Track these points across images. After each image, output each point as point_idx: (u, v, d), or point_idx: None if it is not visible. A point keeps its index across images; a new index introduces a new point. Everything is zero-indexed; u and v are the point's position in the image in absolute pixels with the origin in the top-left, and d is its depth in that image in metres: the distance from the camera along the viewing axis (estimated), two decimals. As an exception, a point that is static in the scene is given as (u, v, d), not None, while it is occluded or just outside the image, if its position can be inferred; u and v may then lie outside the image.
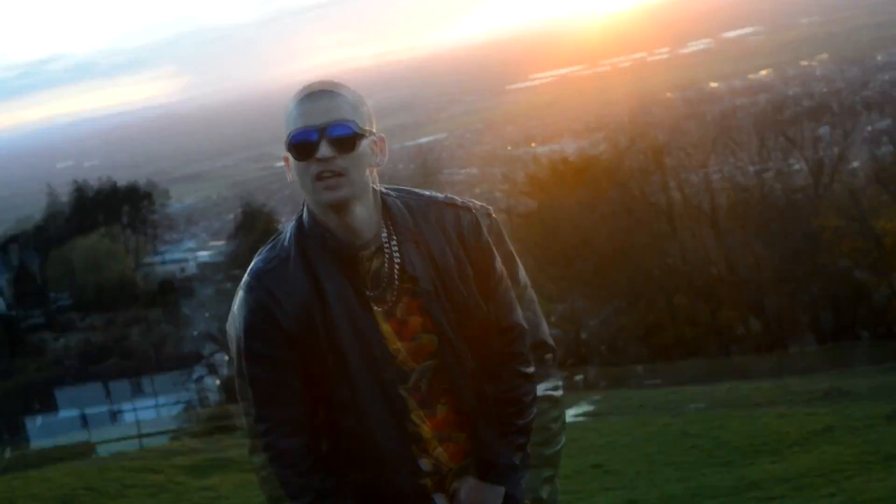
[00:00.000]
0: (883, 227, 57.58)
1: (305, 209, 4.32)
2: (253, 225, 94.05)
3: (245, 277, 4.33)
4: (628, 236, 58.43)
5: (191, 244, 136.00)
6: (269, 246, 4.40)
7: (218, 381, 71.60)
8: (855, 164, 71.96)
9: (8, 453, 69.09)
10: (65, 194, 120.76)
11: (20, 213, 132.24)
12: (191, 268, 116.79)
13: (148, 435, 65.41)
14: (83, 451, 60.11)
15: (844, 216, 58.35)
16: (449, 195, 4.54)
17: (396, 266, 4.27)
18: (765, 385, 24.01)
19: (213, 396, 69.76)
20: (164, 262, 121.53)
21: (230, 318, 4.45)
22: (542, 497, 5.02)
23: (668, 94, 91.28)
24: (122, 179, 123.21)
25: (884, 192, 60.62)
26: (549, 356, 5.02)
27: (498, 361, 4.48)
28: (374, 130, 4.30)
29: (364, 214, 4.22)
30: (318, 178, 4.13)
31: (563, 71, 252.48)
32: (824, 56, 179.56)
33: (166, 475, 25.35)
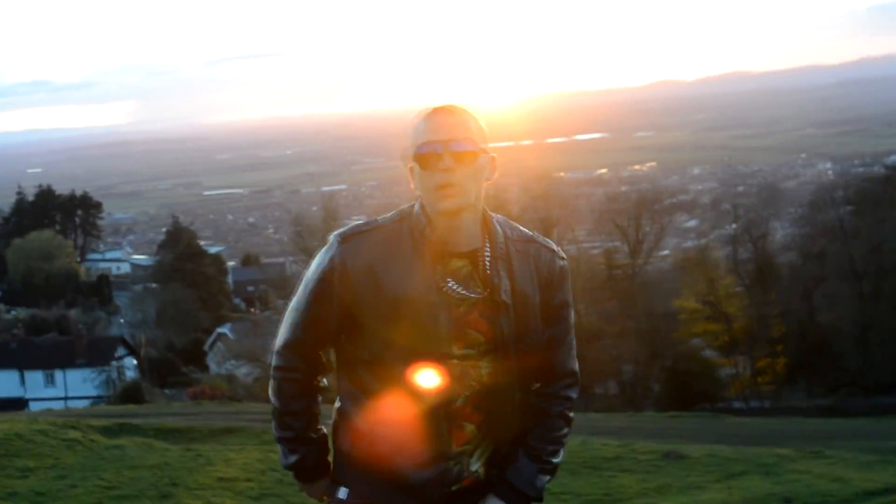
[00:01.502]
0: (734, 312, 58.32)
1: (418, 203, 4.09)
2: (179, 238, 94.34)
3: (332, 235, 4.10)
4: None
5: (127, 249, 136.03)
6: (363, 220, 4.21)
7: (135, 361, 70.99)
8: (666, 251, 72.64)
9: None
10: (31, 195, 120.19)
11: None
12: (125, 267, 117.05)
13: (73, 398, 64.99)
14: (18, 404, 59.72)
15: (700, 300, 58.99)
16: (545, 237, 4.30)
17: (486, 272, 4.03)
18: (613, 443, 23.62)
19: (130, 373, 69.13)
20: (103, 261, 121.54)
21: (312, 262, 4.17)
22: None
23: (561, 174, 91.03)
24: (68, 189, 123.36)
25: (738, 283, 61.10)
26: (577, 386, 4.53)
27: (549, 401, 4.27)
28: (488, 149, 4.09)
29: (469, 222, 4.02)
30: (439, 187, 3.92)
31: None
32: (653, 164, 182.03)
33: (83, 432, 25.33)
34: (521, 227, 4.23)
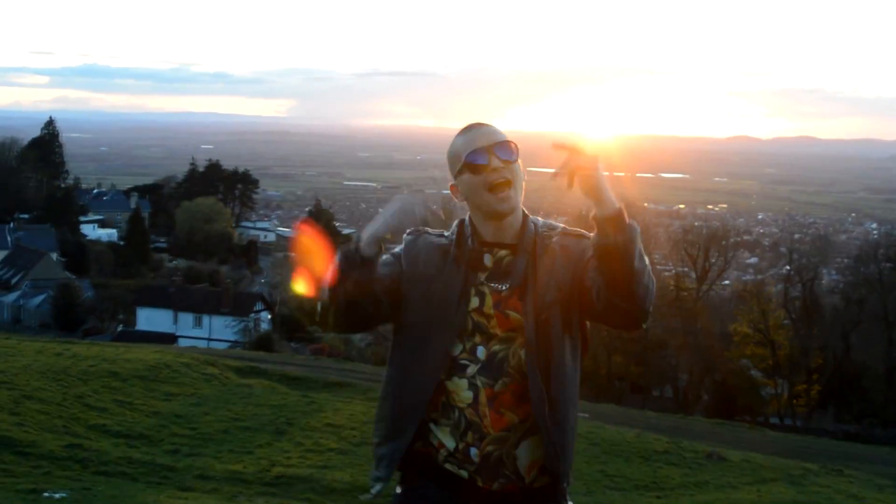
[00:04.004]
0: (781, 341, 57.93)
1: (460, 222, 3.87)
2: (318, 217, 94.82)
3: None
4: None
5: (275, 221, 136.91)
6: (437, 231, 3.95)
7: (270, 316, 71.50)
8: (727, 281, 72.05)
9: (121, 326, 69.74)
10: (201, 167, 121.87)
11: (169, 171, 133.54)
12: (271, 236, 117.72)
13: (215, 340, 65.64)
14: (169, 339, 60.40)
15: (752, 327, 58.65)
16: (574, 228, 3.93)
17: (524, 267, 3.71)
18: (664, 439, 23.38)
19: (264, 325, 69.67)
20: (252, 228, 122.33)
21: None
22: None
23: (646, 204, 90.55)
24: (232, 166, 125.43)
25: (786, 316, 60.64)
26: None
27: (572, 393, 3.79)
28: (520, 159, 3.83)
29: (512, 223, 3.76)
30: (492, 188, 3.68)
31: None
32: (724, 205, 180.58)
33: (220, 370, 25.70)
34: (553, 222, 3.91)
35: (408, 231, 3.90)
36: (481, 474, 3.66)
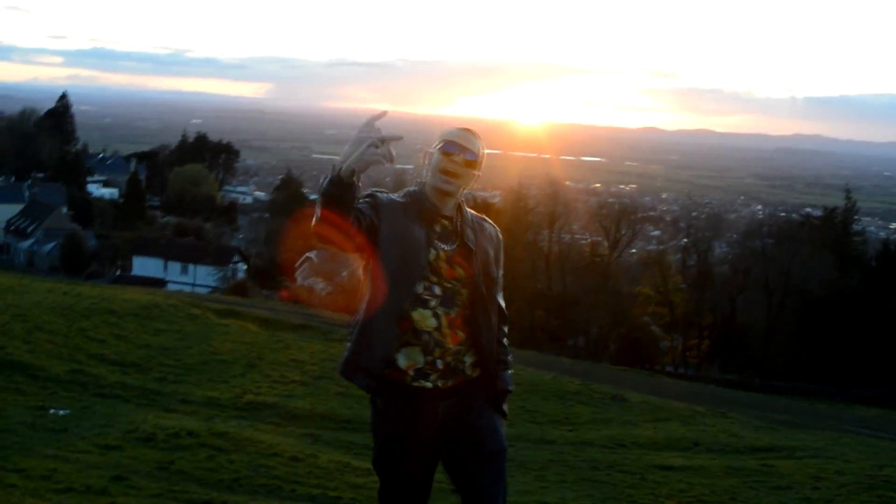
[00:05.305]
0: (677, 302, 58.71)
1: (421, 185, 4.42)
2: (289, 184, 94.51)
3: (371, 189, 4.37)
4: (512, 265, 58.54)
5: (252, 186, 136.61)
6: (399, 192, 4.46)
7: (245, 266, 71.43)
8: (634, 250, 72.38)
9: (119, 271, 69.30)
10: (191, 138, 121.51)
11: (163, 141, 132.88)
12: (248, 199, 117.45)
13: (199, 285, 65.42)
14: (159, 283, 60.12)
15: (654, 289, 59.37)
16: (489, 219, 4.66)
17: (460, 232, 4.38)
18: (576, 381, 23.53)
19: (240, 274, 69.63)
20: (233, 192, 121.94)
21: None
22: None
23: (567, 183, 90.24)
24: (217, 138, 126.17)
25: (683, 281, 61.65)
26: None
27: (496, 323, 4.51)
28: (479, 172, 4.42)
29: (451, 202, 4.37)
30: (444, 171, 4.29)
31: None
32: (634, 186, 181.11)
33: (202, 311, 25.65)
34: (476, 213, 4.55)
35: (376, 190, 4.36)
36: (442, 378, 4.29)
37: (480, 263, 4.39)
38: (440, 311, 4.27)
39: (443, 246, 4.33)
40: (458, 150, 4.30)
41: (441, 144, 4.33)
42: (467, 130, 4.38)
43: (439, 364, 4.26)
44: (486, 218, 4.59)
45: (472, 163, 4.32)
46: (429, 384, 4.27)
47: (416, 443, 4.30)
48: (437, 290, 4.28)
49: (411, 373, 4.26)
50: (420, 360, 4.25)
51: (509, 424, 4.62)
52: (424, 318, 4.26)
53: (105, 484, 8.96)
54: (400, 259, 4.22)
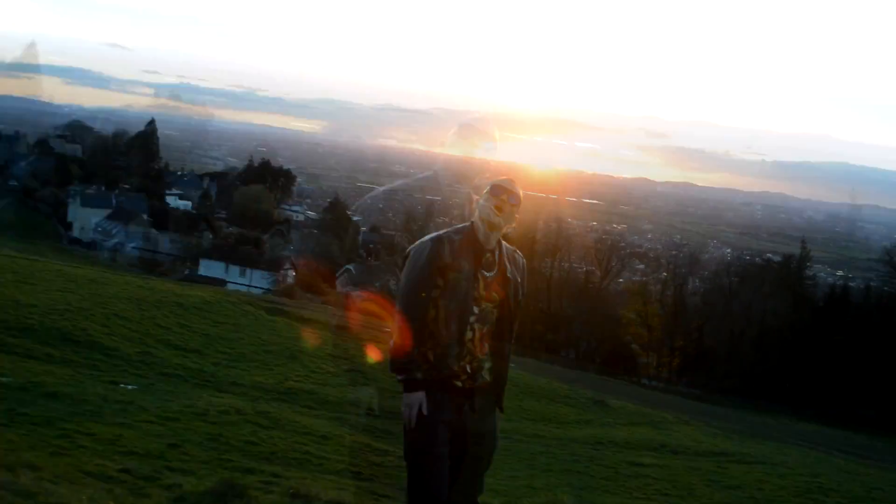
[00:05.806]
0: (655, 325, 58.86)
1: (472, 223, 4.60)
2: (336, 207, 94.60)
3: (434, 235, 4.58)
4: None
5: (305, 206, 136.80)
6: (448, 230, 4.64)
7: (294, 273, 71.45)
8: (621, 280, 71.99)
9: (187, 271, 69.40)
10: (256, 163, 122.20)
11: (232, 165, 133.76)
12: (300, 217, 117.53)
13: (253, 287, 65.33)
14: (221, 283, 60.10)
15: (636, 314, 59.51)
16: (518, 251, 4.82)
17: (499, 262, 4.60)
18: (564, 387, 23.40)
19: (290, 280, 69.58)
20: (288, 210, 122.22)
21: (418, 246, 4.57)
22: None
23: (570, 220, 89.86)
24: (278, 164, 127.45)
25: (661, 309, 61.59)
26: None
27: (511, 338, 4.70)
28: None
29: (496, 238, 4.57)
30: (497, 208, 4.50)
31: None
32: (624, 226, 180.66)
33: (255, 308, 25.48)
34: (509, 245, 4.74)
35: (436, 236, 4.56)
36: (470, 380, 4.50)
37: (511, 290, 4.60)
38: (476, 326, 4.52)
39: (485, 273, 4.55)
40: (505, 193, 4.52)
41: (491, 188, 4.56)
42: (512, 181, 4.61)
43: (468, 368, 4.51)
44: (518, 251, 4.79)
45: (516, 207, 4.55)
46: (459, 384, 4.49)
47: (449, 428, 4.46)
48: (476, 310, 4.52)
49: (452, 373, 4.50)
50: (456, 364, 4.49)
51: (507, 420, 4.62)
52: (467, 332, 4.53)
53: (163, 449, 8.95)
54: (459, 290, 4.46)
